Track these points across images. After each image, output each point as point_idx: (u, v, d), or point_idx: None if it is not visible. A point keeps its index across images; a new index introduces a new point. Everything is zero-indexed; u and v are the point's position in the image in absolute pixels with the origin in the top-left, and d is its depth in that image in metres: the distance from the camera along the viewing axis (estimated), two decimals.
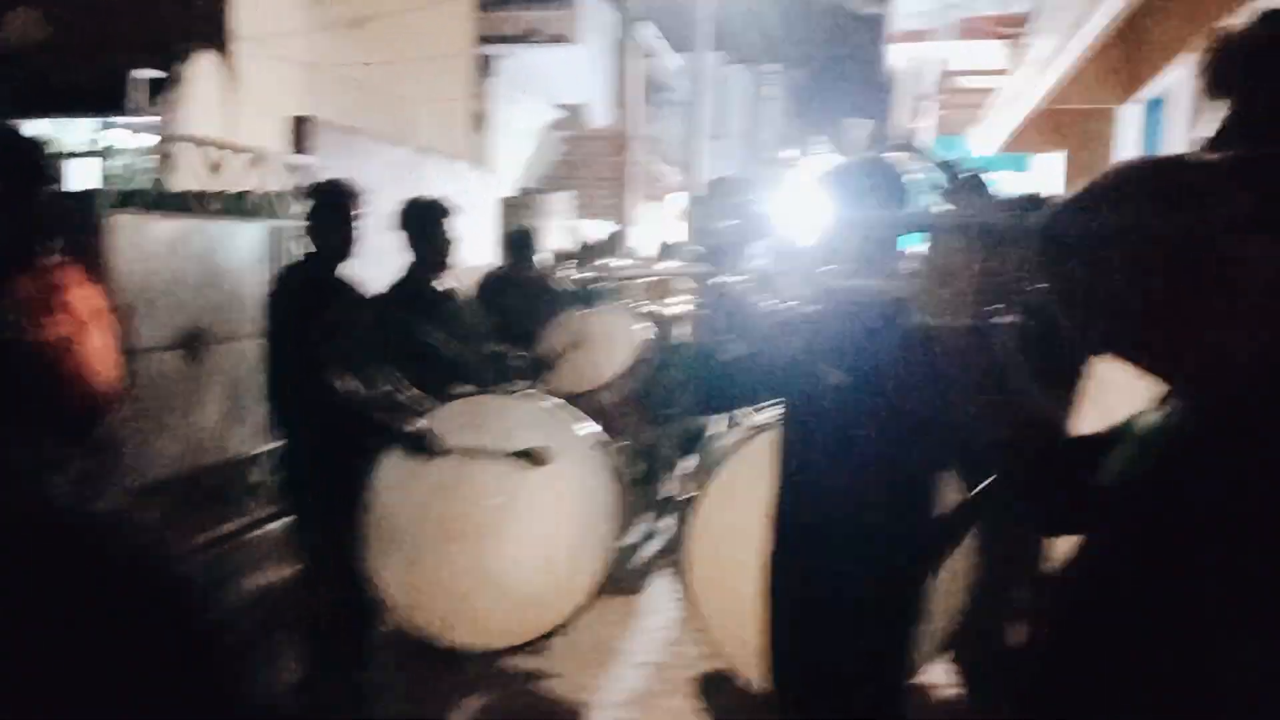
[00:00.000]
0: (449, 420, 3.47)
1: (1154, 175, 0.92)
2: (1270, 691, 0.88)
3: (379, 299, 3.92)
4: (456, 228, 4.07)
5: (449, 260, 4.07)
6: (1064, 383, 2.59)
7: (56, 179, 2.42)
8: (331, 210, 3.51)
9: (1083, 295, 0.91)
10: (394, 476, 3.43)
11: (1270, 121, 0.98)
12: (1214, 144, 1.03)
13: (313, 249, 3.58)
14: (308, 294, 3.41)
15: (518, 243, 6.16)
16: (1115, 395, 1.29)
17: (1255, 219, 0.85)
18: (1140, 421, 0.96)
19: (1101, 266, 0.89)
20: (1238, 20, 1.03)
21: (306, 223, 3.63)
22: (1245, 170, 0.87)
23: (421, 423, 3.42)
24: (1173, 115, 6.09)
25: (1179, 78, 5.94)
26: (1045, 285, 0.94)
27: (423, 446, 3.34)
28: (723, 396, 2.74)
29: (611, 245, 8.34)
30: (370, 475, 3.42)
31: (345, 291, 3.55)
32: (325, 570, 3.42)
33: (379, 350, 3.80)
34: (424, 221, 4.00)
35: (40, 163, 2.46)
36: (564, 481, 3.48)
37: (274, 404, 3.70)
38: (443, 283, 4.10)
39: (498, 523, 3.46)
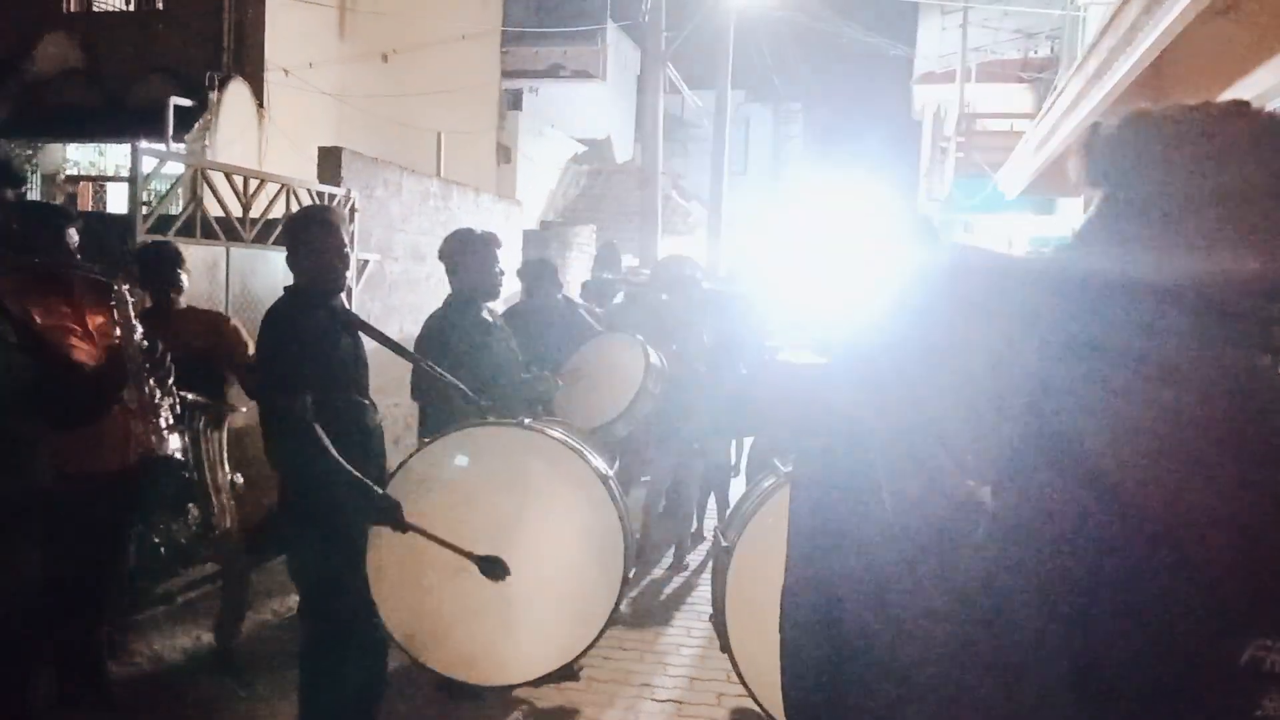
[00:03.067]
0: (452, 451, 3.42)
1: None
2: None
3: (434, 324, 4.08)
4: (502, 260, 4.26)
5: (498, 291, 4.29)
6: None
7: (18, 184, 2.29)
8: (322, 238, 3.28)
9: None
10: (404, 507, 3.37)
11: (1133, 216, 1.04)
12: (1082, 232, 1.10)
13: (301, 278, 3.32)
14: (314, 325, 3.21)
15: (536, 273, 6.13)
16: None
17: None
18: None
19: None
20: (1111, 119, 1.09)
21: (294, 252, 3.34)
22: None
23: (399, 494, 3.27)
24: None
25: None
26: None
27: (387, 519, 3.22)
28: (731, 422, 2.78)
29: None
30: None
31: (342, 318, 3.42)
32: (332, 603, 3.33)
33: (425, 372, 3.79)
34: (476, 253, 4.15)
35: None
36: (572, 513, 3.44)
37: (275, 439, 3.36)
38: (489, 312, 4.28)
39: (507, 556, 3.39)
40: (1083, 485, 0.90)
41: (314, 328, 3.22)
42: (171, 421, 2.27)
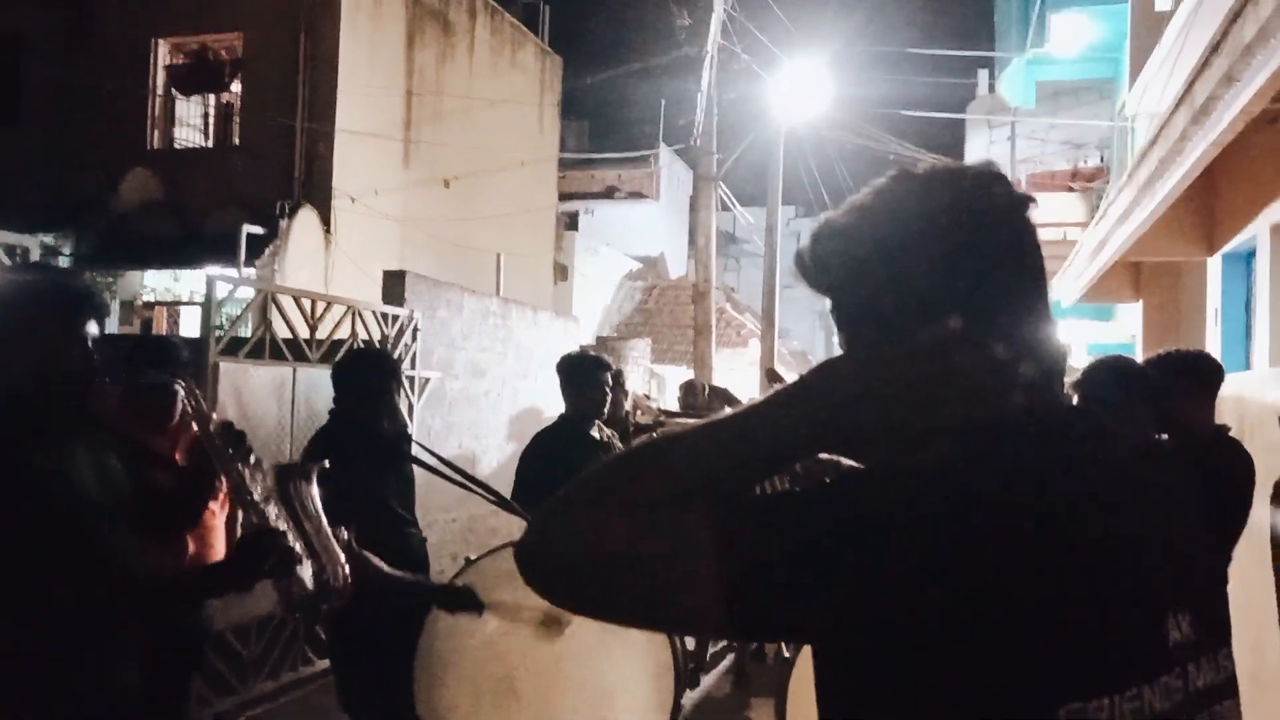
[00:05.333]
0: (496, 567, 3.40)
1: None
2: None
3: (544, 440, 4.29)
4: (609, 380, 4.48)
5: (603, 410, 4.48)
6: None
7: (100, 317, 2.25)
8: (373, 376, 3.58)
9: None
10: (448, 631, 3.34)
11: (862, 319, 1.04)
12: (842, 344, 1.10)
13: (349, 409, 3.58)
14: (358, 450, 3.38)
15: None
16: None
17: None
18: None
19: None
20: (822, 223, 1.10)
21: (345, 386, 3.60)
22: None
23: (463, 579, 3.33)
24: (1263, 267, 6.03)
25: (1265, 230, 5.91)
26: None
27: (460, 603, 3.24)
28: None
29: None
30: (423, 627, 3.33)
31: (389, 448, 3.60)
32: None
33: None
34: (585, 375, 4.38)
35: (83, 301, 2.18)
36: (619, 633, 3.35)
37: None
38: (595, 429, 4.47)
39: (555, 678, 3.32)
40: (894, 557, 0.87)
41: (353, 455, 3.29)
42: (263, 494, 2.30)
